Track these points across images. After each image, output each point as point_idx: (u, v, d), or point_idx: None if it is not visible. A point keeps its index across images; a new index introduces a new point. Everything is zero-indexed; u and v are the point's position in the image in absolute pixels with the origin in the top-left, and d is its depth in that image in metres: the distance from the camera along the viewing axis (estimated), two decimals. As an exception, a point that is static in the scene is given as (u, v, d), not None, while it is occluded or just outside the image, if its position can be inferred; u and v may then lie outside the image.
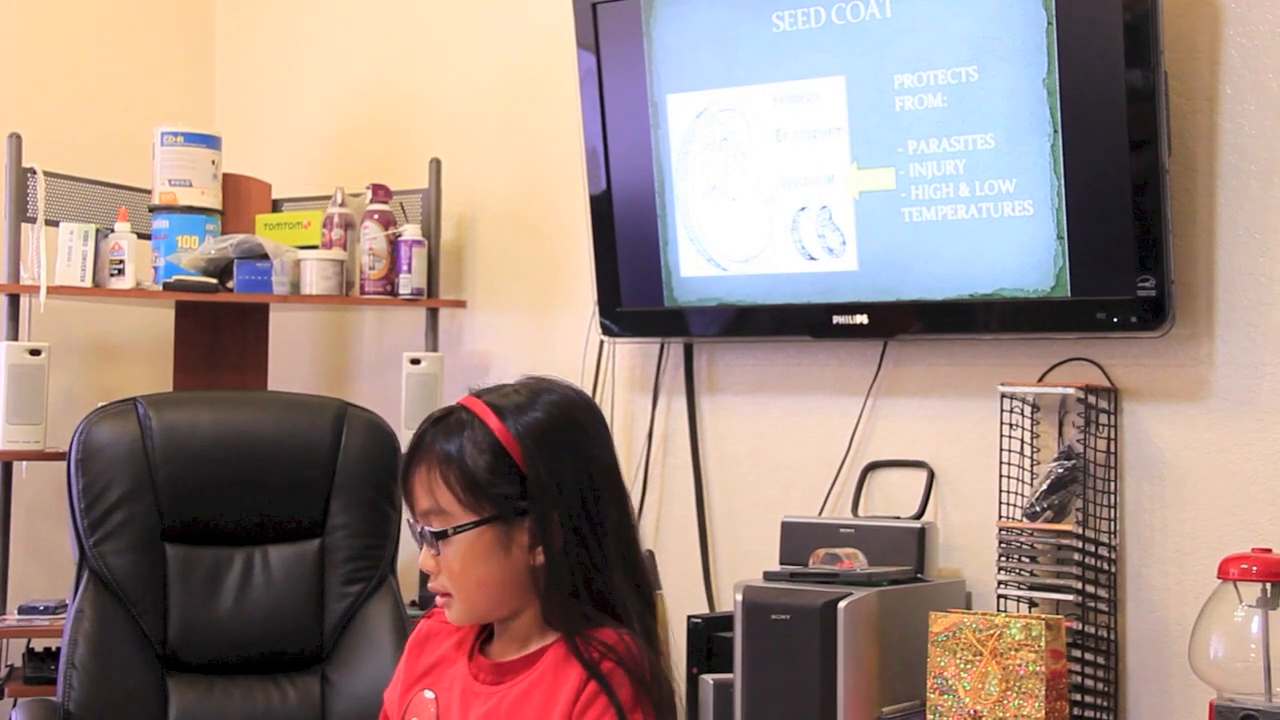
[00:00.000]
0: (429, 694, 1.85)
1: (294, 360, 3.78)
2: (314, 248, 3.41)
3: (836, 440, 2.85)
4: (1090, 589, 2.43)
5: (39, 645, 3.19)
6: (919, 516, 2.68)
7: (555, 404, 1.80)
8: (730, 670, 2.48)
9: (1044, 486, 2.45)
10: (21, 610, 3.22)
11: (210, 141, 3.45)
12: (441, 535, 1.77)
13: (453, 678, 1.84)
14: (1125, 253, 2.40)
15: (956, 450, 2.70)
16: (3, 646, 3.38)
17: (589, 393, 3.15)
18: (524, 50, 3.44)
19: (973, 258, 2.58)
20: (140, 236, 3.40)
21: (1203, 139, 2.44)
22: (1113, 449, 2.49)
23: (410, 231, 3.39)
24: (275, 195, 3.65)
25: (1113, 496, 2.48)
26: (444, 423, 1.79)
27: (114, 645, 2.70)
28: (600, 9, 3.00)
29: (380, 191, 3.42)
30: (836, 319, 2.75)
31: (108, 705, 2.67)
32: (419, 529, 1.80)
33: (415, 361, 3.33)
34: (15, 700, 2.98)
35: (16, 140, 3.28)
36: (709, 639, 2.69)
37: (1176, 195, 2.40)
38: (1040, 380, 2.56)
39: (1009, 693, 2.26)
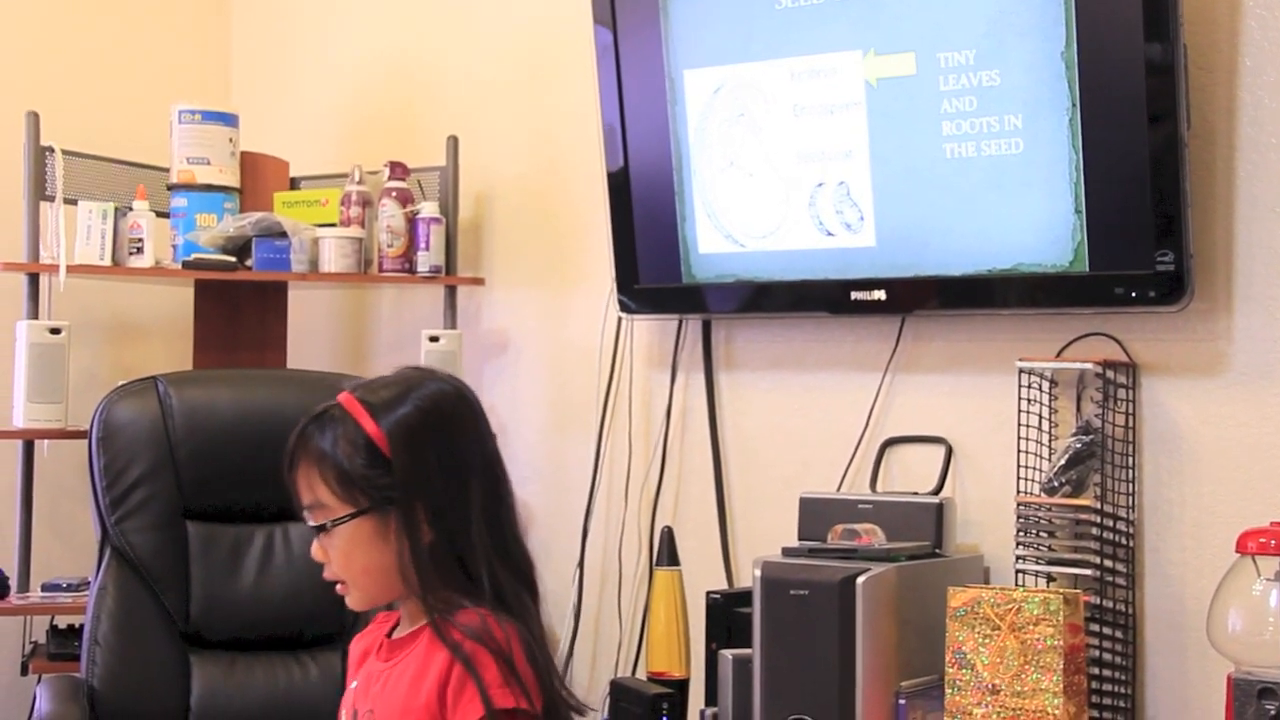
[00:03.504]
0: (354, 684, 2.00)
1: (313, 338, 3.79)
2: (332, 225, 3.42)
3: (854, 416, 2.85)
4: (1108, 563, 2.43)
5: (62, 622, 3.21)
6: (937, 492, 2.68)
7: (424, 398, 1.92)
8: (749, 646, 2.49)
9: (1062, 461, 2.45)
10: (45, 587, 3.25)
11: (228, 119, 3.45)
12: (322, 528, 1.90)
13: (370, 664, 1.99)
14: (1144, 227, 2.39)
15: (974, 426, 2.70)
16: (27, 623, 3.41)
17: (607, 369, 3.19)
18: (541, 27, 3.43)
19: (991, 233, 2.58)
20: (159, 215, 3.41)
21: (1222, 112, 2.43)
22: (1131, 424, 2.49)
23: (428, 209, 3.39)
24: (293, 173, 3.65)
25: (1131, 471, 2.48)
26: (319, 421, 1.92)
27: (137, 622, 2.73)
28: (617, -15, 3.00)
29: (398, 169, 3.43)
30: (854, 295, 2.75)
31: (131, 681, 2.70)
32: (307, 523, 1.94)
33: (434, 339, 3.34)
34: (40, 676, 3.01)
35: (34, 119, 3.29)
36: (728, 614, 2.70)
37: (1195, 169, 2.39)
38: (1058, 355, 2.56)
39: (1027, 667, 2.27)
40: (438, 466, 1.88)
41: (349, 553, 1.90)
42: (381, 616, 2.03)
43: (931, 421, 2.76)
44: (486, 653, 1.82)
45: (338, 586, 1.95)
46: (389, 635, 1.98)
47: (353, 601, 1.95)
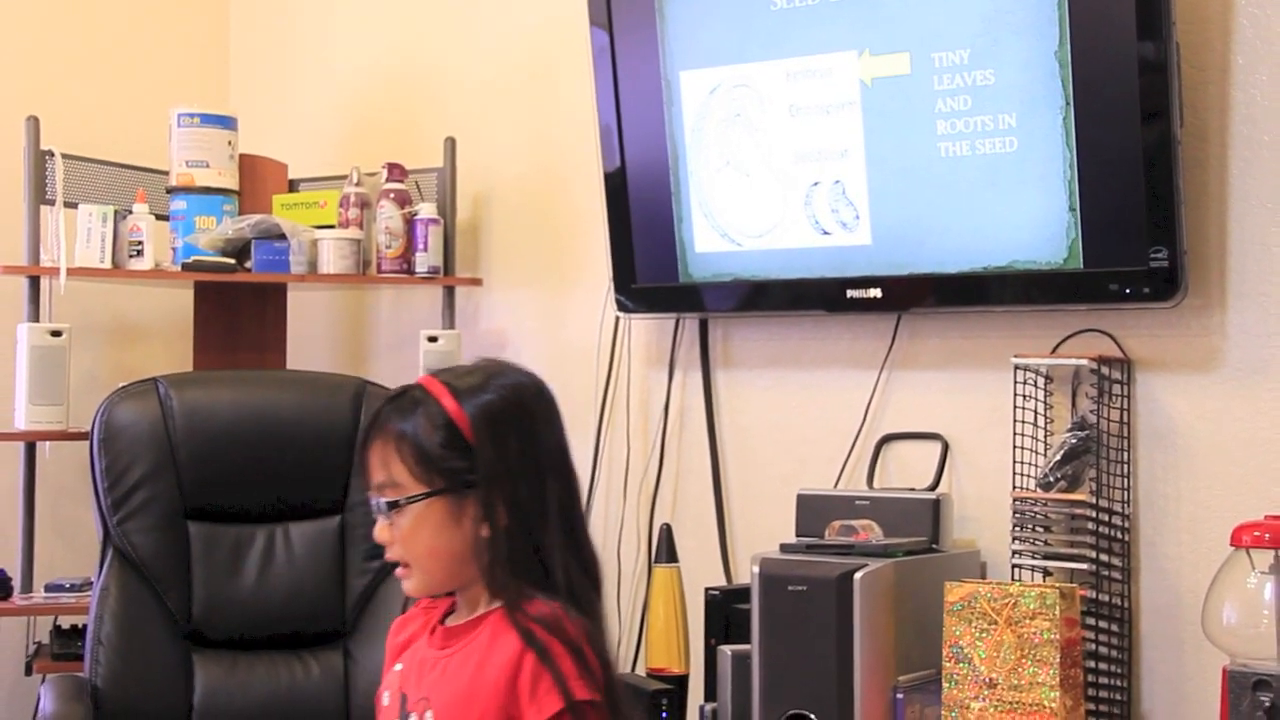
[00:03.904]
0: (398, 666, 1.97)
1: (312, 339, 3.80)
2: (331, 227, 3.43)
3: (851, 413, 2.87)
4: (1104, 558, 2.45)
5: (66, 622, 3.23)
6: (934, 488, 2.70)
7: (506, 387, 1.89)
8: (748, 641, 2.50)
9: (1057, 457, 2.46)
10: (48, 588, 3.26)
11: (226, 122, 3.46)
12: (394, 505, 1.86)
13: (417, 649, 1.95)
14: (1137, 224, 2.41)
15: (970, 422, 2.72)
16: (30, 624, 3.42)
17: (605, 368, 3.21)
18: (537, 28, 3.45)
19: (986, 231, 2.60)
20: (158, 218, 3.42)
21: (1215, 110, 2.45)
22: (1126, 419, 2.50)
23: (426, 210, 3.40)
24: (291, 175, 3.66)
25: (1126, 466, 2.50)
26: (400, 400, 1.89)
27: (139, 622, 2.74)
28: (613, -14, 3.01)
29: (396, 171, 3.44)
30: (850, 293, 2.77)
31: (134, 680, 2.71)
32: (375, 501, 1.90)
33: (432, 339, 3.35)
34: (43, 676, 3.02)
35: (34, 123, 3.30)
36: (726, 611, 2.72)
37: (1188, 166, 2.41)
38: (1053, 352, 2.58)
39: (1024, 660, 2.29)
40: (518, 455, 1.86)
41: (416, 532, 1.86)
42: (425, 603, 1.99)
43: (928, 418, 2.77)
44: (561, 645, 1.80)
45: (398, 570, 1.91)
46: (442, 622, 1.95)
47: (411, 586, 1.91)
